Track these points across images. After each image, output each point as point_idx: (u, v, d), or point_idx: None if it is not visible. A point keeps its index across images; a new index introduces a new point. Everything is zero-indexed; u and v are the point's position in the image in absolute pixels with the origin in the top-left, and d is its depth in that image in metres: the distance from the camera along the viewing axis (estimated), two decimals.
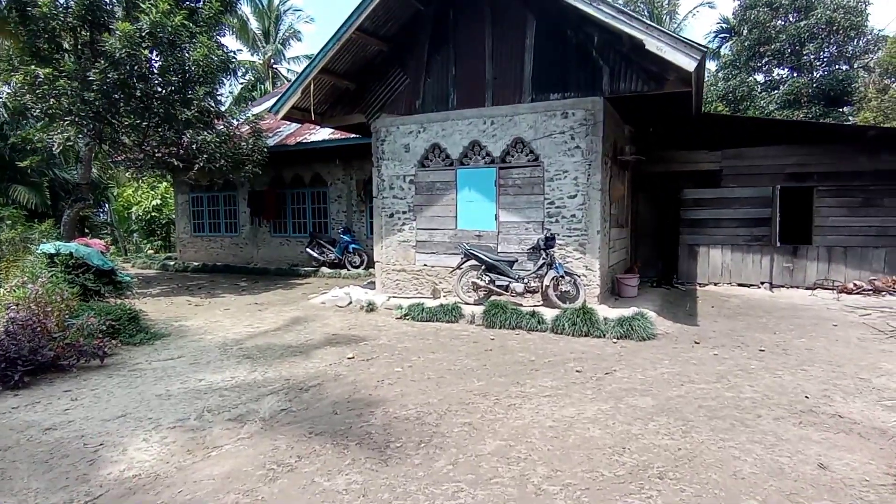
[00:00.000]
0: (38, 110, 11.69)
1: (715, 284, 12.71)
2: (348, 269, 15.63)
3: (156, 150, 13.58)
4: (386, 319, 9.55)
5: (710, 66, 28.79)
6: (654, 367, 6.44)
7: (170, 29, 11.40)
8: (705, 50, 7.79)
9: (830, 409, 4.93)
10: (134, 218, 25.61)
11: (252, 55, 36.37)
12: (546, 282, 9.31)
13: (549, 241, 9.31)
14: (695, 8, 34.45)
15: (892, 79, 25.51)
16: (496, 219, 10.12)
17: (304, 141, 16.23)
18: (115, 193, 26.88)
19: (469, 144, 10.26)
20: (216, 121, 13.81)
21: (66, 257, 8.89)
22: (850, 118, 24.55)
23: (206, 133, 12.90)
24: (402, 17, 10.41)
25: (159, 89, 12.16)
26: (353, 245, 15.68)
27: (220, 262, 18.80)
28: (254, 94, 34.20)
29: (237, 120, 14.97)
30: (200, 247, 19.79)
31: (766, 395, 5.34)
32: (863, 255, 11.45)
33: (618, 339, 7.85)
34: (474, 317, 9.18)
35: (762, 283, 12.26)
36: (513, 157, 9.93)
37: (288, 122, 17.28)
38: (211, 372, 6.50)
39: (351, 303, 10.71)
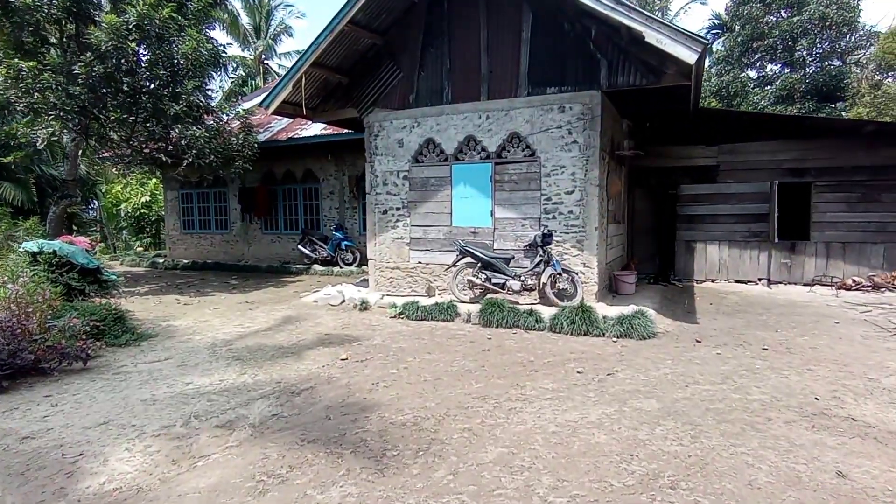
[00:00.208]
0: (22, 105, 11.37)
1: (712, 281, 12.58)
2: (341, 267, 15.42)
3: (144, 146, 13.28)
4: (380, 318, 9.34)
5: (705, 61, 28.68)
6: (656, 367, 6.26)
7: (158, 21, 11.13)
8: (706, 42, 7.61)
9: (842, 412, 4.76)
10: (123, 215, 25.26)
11: (243, 51, 36.01)
12: (543, 279, 9.12)
13: (546, 238, 9.13)
14: (686, 4, 34.20)
15: (885, 74, 25.46)
16: (492, 215, 9.92)
17: (296, 136, 15.98)
18: (103, 190, 26.52)
19: (464, 139, 10.05)
20: (206, 116, 13.53)
21: (50, 255, 8.64)
22: (843, 114, 24.46)
23: (195, 128, 12.63)
24: (395, 9, 10.17)
25: (147, 83, 11.88)
26: (345, 242, 15.45)
27: (211, 260, 18.54)
28: (244, 89, 33.81)
29: (227, 115, 14.67)
30: (190, 244, 19.51)
31: (775, 397, 5.17)
32: (861, 251, 11.33)
33: (618, 338, 7.67)
34: (470, 315, 8.98)
35: (760, 280, 12.14)
36: (509, 152, 9.73)
37: (279, 117, 17.06)
38: (199, 375, 6.27)
39: (344, 301, 10.49)
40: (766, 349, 6.95)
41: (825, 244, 11.60)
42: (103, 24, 10.73)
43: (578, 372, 6.12)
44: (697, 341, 7.42)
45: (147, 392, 5.68)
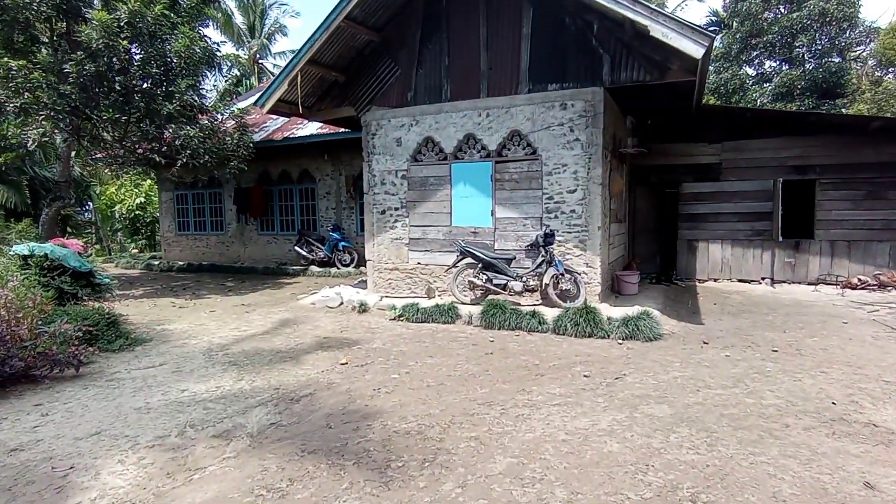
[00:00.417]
0: (12, 105, 11.14)
1: (715, 280, 12.42)
2: (338, 268, 15.23)
3: (137, 146, 13.07)
4: (379, 321, 9.15)
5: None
6: (665, 370, 6.09)
7: (150, 19, 10.92)
8: (713, 36, 7.44)
9: (862, 418, 4.60)
10: (117, 217, 24.98)
11: (237, 50, 35.73)
12: (546, 280, 8.95)
13: (549, 238, 8.95)
14: (683, 1, 34.03)
15: (885, 71, 25.35)
16: (492, 215, 9.74)
17: (292, 136, 15.79)
18: (97, 192, 26.26)
19: (464, 138, 9.87)
20: (200, 115, 13.32)
21: (41, 259, 8.44)
22: (843, 110, 24.34)
23: (189, 128, 12.40)
24: (392, 4, 9.99)
25: (140, 82, 11.66)
26: (342, 243, 15.26)
27: (206, 262, 18.33)
28: (239, 89, 33.60)
29: (222, 115, 14.46)
30: (186, 246, 19.30)
31: (790, 402, 5.00)
32: (867, 250, 11.18)
33: (623, 339, 7.50)
34: (472, 317, 8.80)
35: (763, 279, 11.99)
36: (509, 150, 9.56)
37: (274, 117, 16.88)
38: (195, 381, 6.08)
39: (342, 303, 10.30)
40: (776, 351, 6.79)
41: (830, 242, 11.45)
42: (94, 22, 10.51)
43: (585, 376, 5.95)
44: (705, 343, 7.26)
45: (141, 400, 5.49)
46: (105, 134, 12.77)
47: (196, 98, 12.91)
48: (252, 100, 17.87)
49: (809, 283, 11.59)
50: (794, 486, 3.52)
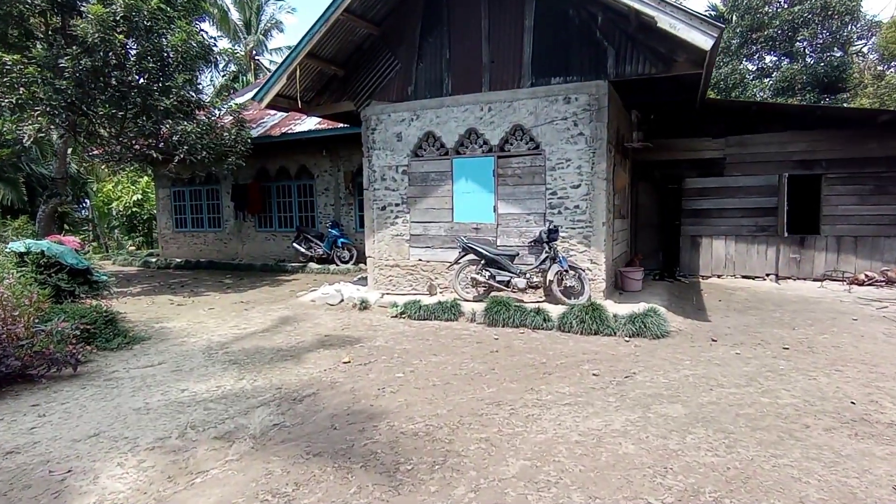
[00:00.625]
0: (6, 101, 10.96)
1: (718, 277, 12.30)
2: (337, 265, 15.09)
3: (134, 142, 12.91)
4: (381, 318, 9.02)
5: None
6: (675, 368, 5.97)
7: (146, 12, 10.75)
8: (722, 27, 7.30)
9: (884, 418, 4.47)
10: (114, 214, 24.78)
11: (234, 46, 35.48)
12: (550, 276, 8.82)
13: (553, 234, 8.82)
14: None
15: (887, 65, 25.23)
16: (495, 211, 9.61)
17: (290, 131, 15.63)
18: (94, 189, 26.06)
19: (465, 132, 9.72)
20: (197, 111, 13.15)
21: (38, 256, 8.29)
22: (845, 105, 24.22)
23: (186, 123, 12.23)
24: None
25: (136, 77, 11.48)
26: (341, 239, 15.11)
27: (204, 259, 18.17)
28: (235, 85, 33.38)
29: (219, 110, 14.29)
30: (183, 243, 19.14)
31: (807, 401, 4.88)
32: (874, 245, 11.05)
33: (630, 337, 7.37)
34: (475, 314, 8.67)
35: (767, 275, 11.87)
36: (512, 145, 9.41)
37: (272, 112, 16.70)
38: (195, 380, 5.95)
39: (342, 300, 10.16)
40: (787, 349, 6.67)
41: (836, 238, 11.32)
42: (90, 16, 10.33)
43: (594, 374, 5.82)
44: (713, 340, 7.14)
45: (140, 400, 5.35)
46: (101, 130, 12.60)
47: (193, 93, 12.74)
48: (249, 96, 17.70)
49: (815, 280, 11.47)
50: (821, 490, 3.39)
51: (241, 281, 14.05)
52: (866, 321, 8.03)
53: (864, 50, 26.31)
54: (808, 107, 13.81)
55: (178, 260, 18.28)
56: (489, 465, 3.84)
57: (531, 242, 9.29)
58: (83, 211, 27.35)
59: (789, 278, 11.69)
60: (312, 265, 15.36)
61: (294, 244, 15.95)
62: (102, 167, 18.44)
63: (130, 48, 11.40)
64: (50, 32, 11.84)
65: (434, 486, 3.58)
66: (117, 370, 6.39)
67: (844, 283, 11.03)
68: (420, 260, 10.29)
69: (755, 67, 27.37)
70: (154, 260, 18.68)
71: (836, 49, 24.74)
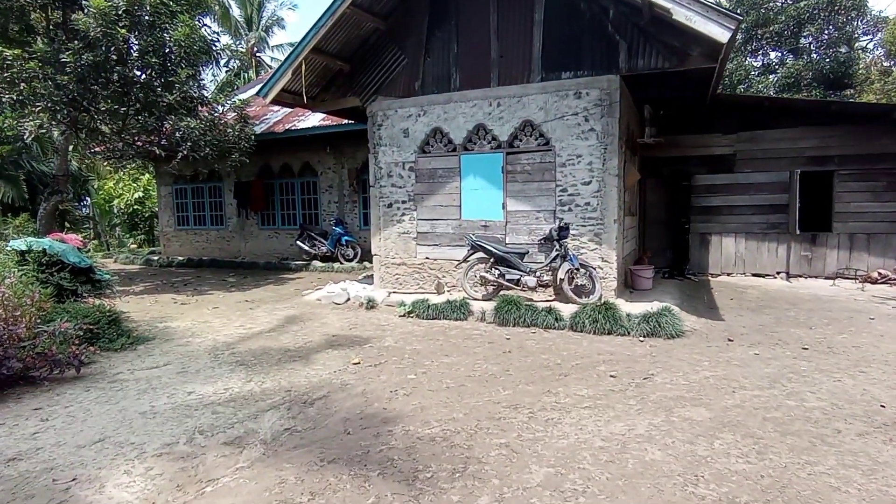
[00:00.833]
0: (7, 97, 10.80)
1: (728, 275, 12.14)
2: (341, 263, 14.93)
3: (136, 139, 12.73)
4: (388, 317, 8.86)
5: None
6: (694, 369, 5.82)
7: (148, 7, 10.59)
8: (741, 18, 7.16)
9: None
10: (116, 211, 24.63)
11: (235, 43, 35.29)
12: (560, 275, 8.67)
13: (563, 232, 8.67)
14: None
15: (893, 61, 25.04)
16: (504, 208, 9.45)
17: (294, 128, 15.45)
18: (95, 186, 25.91)
19: (473, 128, 9.56)
20: (200, 107, 12.98)
21: (39, 254, 8.13)
22: (852, 101, 24.07)
23: (189, 119, 12.06)
24: None
25: (138, 72, 11.32)
26: (345, 237, 14.96)
27: (207, 257, 18.01)
28: (237, 82, 33.20)
29: (222, 106, 14.12)
30: (185, 240, 18.98)
31: (835, 404, 4.72)
32: (887, 243, 10.88)
33: (644, 337, 7.22)
34: (484, 314, 8.51)
35: (778, 273, 11.71)
36: (521, 141, 9.26)
37: (276, 108, 16.53)
38: (201, 382, 5.79)
39: (349, 299, 10.01)
40: (807, 349, 6.52)
41: (848, 235, 11.16)
42: (91, 10, 10.15)
43: (612, 376, 5.67)
44: (730, 340, 6.99)
45: (146, 403, 5.20)
46: (103, 126, 12.41)
47: (196, 89, 12.57)
48: (252, 91, 17.57)
49: (827, 278, 11.31)
50: (863, 500, 3.24)
51: (244, 279, 13.90)
52: (884, 320, 7.87)
53: (871, 46, 26.13)
54: (822, 102, 13.59)
55: (181, 258, 18.13)
56: (512, 472, 3.69)
57: (541, 240, 9.14)
58: (84, 209, 27.23)
59: (800, 276, 11.53)
60: (316, 263, 15.20)
61: (297, 242, 15.80)
62: (104, 164, 18.27)
63: (133, 43, 11.23)
64: (51, 27, 11.69)
65: (456, 495, 3.42)
66: (122, 372, 6.24)
67: (857, 280, 10.87)
68: (427, 258, 10.14)
69: (760, 63, 27.18)
70: (156, 258, 18.54)
71: (842, 45, 24.54)
